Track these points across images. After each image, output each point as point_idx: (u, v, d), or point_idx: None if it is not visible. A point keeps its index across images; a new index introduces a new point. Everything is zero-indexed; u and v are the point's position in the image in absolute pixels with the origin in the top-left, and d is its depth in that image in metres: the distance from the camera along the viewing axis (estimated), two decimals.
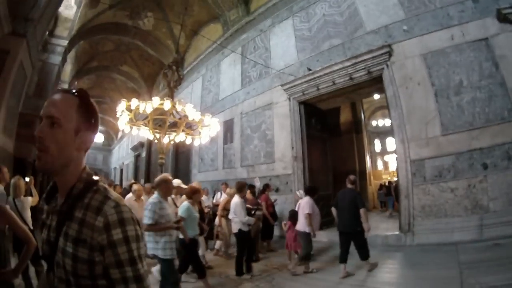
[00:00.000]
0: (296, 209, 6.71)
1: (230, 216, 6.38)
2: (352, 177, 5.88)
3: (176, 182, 6.27)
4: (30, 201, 4.85)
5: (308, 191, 6.13)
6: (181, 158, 15.72)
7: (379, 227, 6.57)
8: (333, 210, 5.74)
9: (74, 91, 1.08)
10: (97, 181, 1.09)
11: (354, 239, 5.38)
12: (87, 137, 1.09)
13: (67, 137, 1.02)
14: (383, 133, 25.21)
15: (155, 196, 4.13)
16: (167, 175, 4.37)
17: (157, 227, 3.94)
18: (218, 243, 7.31)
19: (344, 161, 13.47)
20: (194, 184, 5.61)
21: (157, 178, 4.28)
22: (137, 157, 24.17)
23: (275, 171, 9.51)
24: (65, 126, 1.01)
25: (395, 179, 13.51)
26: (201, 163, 13.31)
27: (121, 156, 30.92)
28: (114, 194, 1.06)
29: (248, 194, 7.07)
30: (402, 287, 4.81)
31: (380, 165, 25.58)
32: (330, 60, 8.31)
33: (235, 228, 5.90)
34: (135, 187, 6.80)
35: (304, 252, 5.76)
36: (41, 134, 0.99)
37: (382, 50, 7.15)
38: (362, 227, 5.31)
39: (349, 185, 5.75)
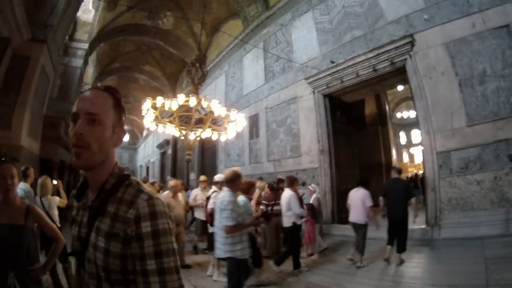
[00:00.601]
0: (311, 201, 6.84)
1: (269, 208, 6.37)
2: (398, 167, 6.33)
3: (219, 177, 6.57)
4: (57, 200, 4.99)
5: (362, 183, 6.17)
6: (207, 154, 15.90)
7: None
8: (381, 199, 5.95)
9: (104, 88, 1.11)
10: (129, 175, 1.11)
11: (400, 227, 5.60)
12: (122, 133, 1.12)
13: (107, 133, 1.04)
14: (408, 125, 24.74)
15: (229, 193, 3.83)
16: (237, 169, 4.10)
17: (240, 226, 3.73)
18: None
19: (369, 154, 13.27)
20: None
21: (228, 173, 3.98)
22: (163, 154, 24.57)
23: (301, 165, 9.50)
24: (106, 123, 1.03)
25: (421, 172, 13.24)
26: (227, 158, 13.44)
27: (147, 154, 31.53)
28: (147, 187, 1.06)
29: (266, 189, 7.13)
30: (428, 282, 4.77)
31: (405, 158, 25.09)
32: (353, 52, 8.19)
33: (287, 222, 5.90)
34: (171, 183, 6.61)
35: (362, 244, 5.79)
36: (81, 131, 0.99)
37: (404, 40, 7.00)
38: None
39: (396, 175, 6.12)
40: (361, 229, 5.82)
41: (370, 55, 7.70)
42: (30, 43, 8.22)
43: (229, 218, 3.65)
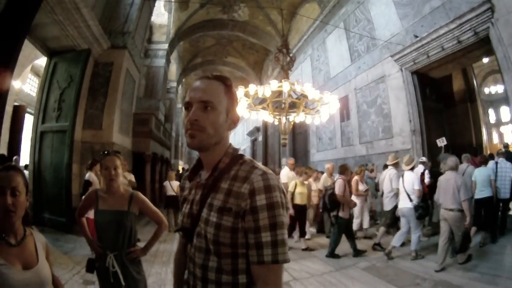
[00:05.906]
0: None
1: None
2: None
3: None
4: (177, 183, 7.62)
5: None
6: (298, 139, 16.13)
7: None
8: None
9: (214, 76, 1.15)
10: (243, 155, 1.16)
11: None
12: (235, 117, 1.18)
13: (221, 118, 1.09)
14: (496, 102, 22.71)
15: None
16: None
17: None
18: None
19: (460, 134, 12.29)
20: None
21: None
22: (253, 141, 25.50)
23: (393, 146, 9.13)
24: (219, 109, 1.08)
25: None
26: (319, 142, 13.52)
27: (237, 142, 32.61)
28: (260, 165, 1.10)
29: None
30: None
31: (495, 138, 23.22)
32: (435, 24, 7.63)
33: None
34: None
35: None
36: (196, 117, 1.05)
37: (483, 6, 6.34)
38: None
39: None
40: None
41: (452, 26, 7.12)
42: (111, 50, 9.16)
43: None
